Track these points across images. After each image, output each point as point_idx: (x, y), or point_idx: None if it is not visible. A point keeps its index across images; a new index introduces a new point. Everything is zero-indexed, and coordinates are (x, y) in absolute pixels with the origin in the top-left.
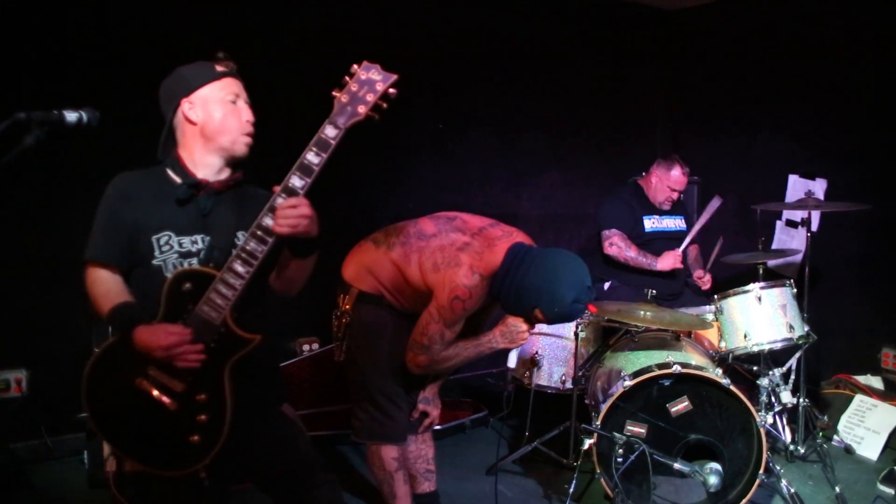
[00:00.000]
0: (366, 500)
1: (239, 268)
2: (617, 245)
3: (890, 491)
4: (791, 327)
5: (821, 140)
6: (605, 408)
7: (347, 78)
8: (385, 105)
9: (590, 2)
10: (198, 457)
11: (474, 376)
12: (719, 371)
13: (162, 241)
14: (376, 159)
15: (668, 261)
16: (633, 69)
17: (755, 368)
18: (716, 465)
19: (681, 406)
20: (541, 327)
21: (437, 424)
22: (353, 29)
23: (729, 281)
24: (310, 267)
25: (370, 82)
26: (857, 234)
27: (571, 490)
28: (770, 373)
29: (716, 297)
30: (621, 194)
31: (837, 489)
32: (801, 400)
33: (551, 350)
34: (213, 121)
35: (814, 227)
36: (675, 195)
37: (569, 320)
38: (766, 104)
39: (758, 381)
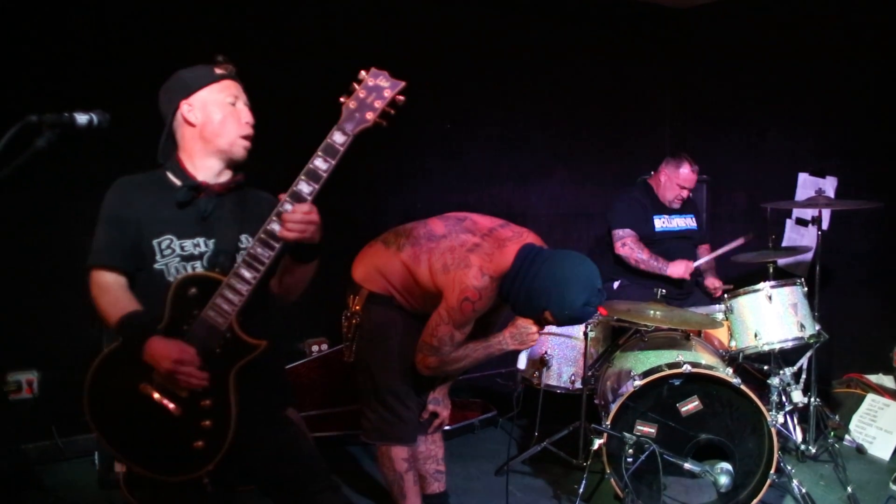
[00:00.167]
0: (376, 501)
1: (246, 273)
2: (629, 246)
3: None
4: (802, 326)
5: (831, 138)
6: (614, 407)
7: (355, 84)
8: (393, 111)
9: (597, 1)
10: (201, 462)
11: (483, 376)
12: (730, 370)
13: (163, 245)
14: (384, 160)
15: (679, 268)
16: (641, 68)
17: (766, 368)
18: (726, 465)
19: (691, 406)
20: (550, 327)
21: (447, 425)
22: (359, 30)
23: (739, 280)
24: (311, 272)
25: (378, 88)
26: (868, 232)
27: (581, 490)
28: (781, 372)
29: (726, 296)
30: (632, 193)
31: (849, 489)
32: (812, 399)
33: (560, 350)
34: (213, 123)
35: (824, 225)
36: (684, 193)
37: (579, 323)
38: (775, 102)
39: (768, 381)
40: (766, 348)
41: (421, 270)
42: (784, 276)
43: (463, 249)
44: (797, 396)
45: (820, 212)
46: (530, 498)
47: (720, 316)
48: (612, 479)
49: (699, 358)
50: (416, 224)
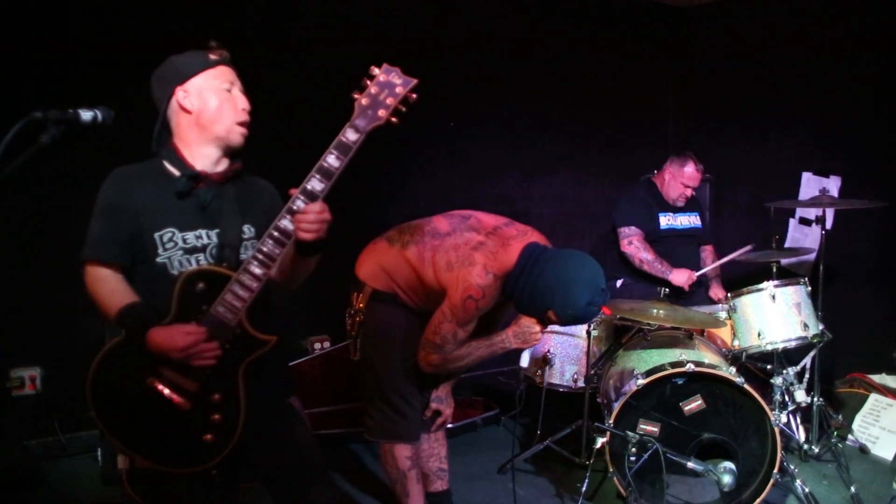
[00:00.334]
0: (378, 499)
1: (256, 269)
2: (635, 245)
3: None
4: (806, 326)
5: (834, 137)
6: (617, 406)
7: (367, 80)
8: (405, 109)
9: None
10: (210, 455)
11: (485, 374)
12: (733, 370)
13: (165, 238)
14: (388, 157)
15: (682, 277)
16: (644, 67)
17: (769, 367)
18: (729, 465)
19: (694, 405)
20: (553, 326)
21: (449, 423)
22: (362, 28)
23: (742, 279)
24: (314, 264)
25: (390, 85)
26: (872, 231)
27: (584, 489)
28: (784, 371)
29: (729, 295)
30: (637, 192)
31: (853, 489)
32: (815, 399)
33: (563, 348)
34: (209, 109)
35: (828, 224)
36: (688, 192)
37: (582, 322)
38: (779, 100)
39: (771, 380)
40: (770, 348)
41: (425, 268)
42: (787, 276)
43: (467, 247)
44: (800, 396)
45: (824, 211)
46: (533, 496)
47: (723, 315)
48: (615, 478)
49: (702, 357)
50: (421, 222)
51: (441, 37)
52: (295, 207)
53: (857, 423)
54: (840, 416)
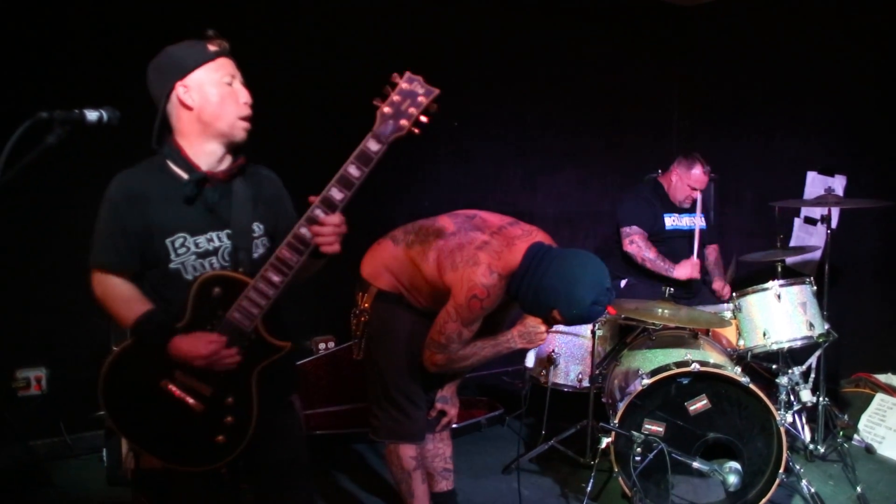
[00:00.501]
0: (383, 499)
1: (273, 277)
2: (637, 244)
3: None
4: (811, 325)
5: (840, 136)
6: (622, 406)
7: (389, 88)
8: (426, 119)
9: None
10: (222, 455)
11: (490, 374)
12: (738, 369)
13: (177, 244)
14: (392, 157)
15: (685, 270)
16: (649, 66)
17: (774, 367)
18: (735, 465)
19: (699, 405)
20: (558, 325)
21: (454, 423)
22: (366, 30)
23: (747, 279)
24: (322, 264)
25: (413, 94)
26: (877, 231)
27: (589, 489)
28: (789, 371)
29: (734, 294)
30: (641, 191)
31: (859, 489)
32: (820, 399)
33: (568, 348)
34: (211, 105)
35: (833, 224)
36: (695, 194)
37: (587, 322)
38: (784, 100)
39: (777, 380)
40: (775, 347)
41: (430, 268)
42: (792, 275)
43: (472, 247)
44: (806, 396)
45: (829, 210)
46: (538, 496)
47: (728, 315)
48: (619, 478)
49: (707, 357)
50: (426, 221)
51: (445, 36)
52: (314, 216)
53: (863, 422)
54: (846, 416)
